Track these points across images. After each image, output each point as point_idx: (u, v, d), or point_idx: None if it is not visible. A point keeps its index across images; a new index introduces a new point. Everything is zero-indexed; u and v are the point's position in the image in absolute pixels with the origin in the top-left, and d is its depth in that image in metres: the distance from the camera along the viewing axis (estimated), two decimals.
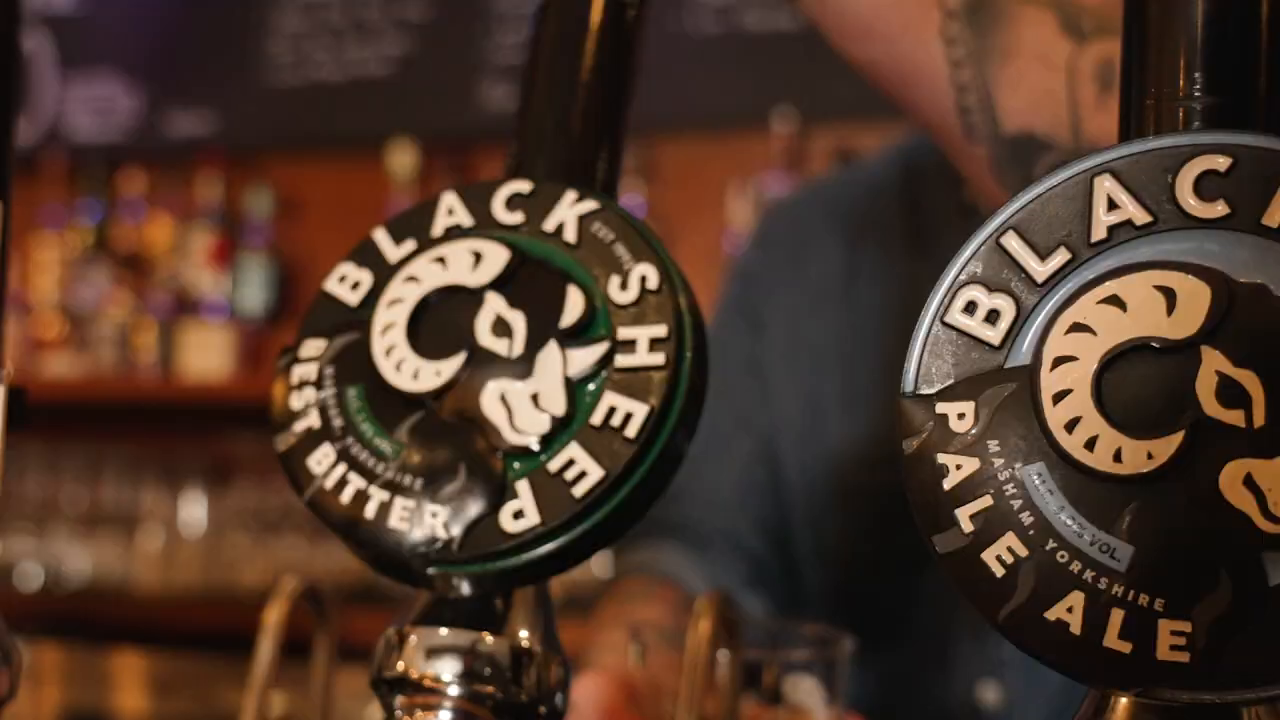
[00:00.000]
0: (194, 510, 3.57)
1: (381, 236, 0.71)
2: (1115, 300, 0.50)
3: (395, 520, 0.65)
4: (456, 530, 0.64)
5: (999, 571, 0.51)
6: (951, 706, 1.28)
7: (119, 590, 3.54)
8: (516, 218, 0.69)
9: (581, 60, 0.75)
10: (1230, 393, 0.48)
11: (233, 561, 3.35)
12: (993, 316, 0.52)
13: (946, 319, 0.53)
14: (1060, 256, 0.51)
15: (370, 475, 0.66)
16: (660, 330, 0.65)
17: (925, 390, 0.52)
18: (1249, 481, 0.48)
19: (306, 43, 3.73)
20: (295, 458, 0.67)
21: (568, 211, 0.68)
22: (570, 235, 0.68)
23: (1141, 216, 0.50)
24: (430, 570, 0.65)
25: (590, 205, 0.68)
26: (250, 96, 3.78)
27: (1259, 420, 0.48)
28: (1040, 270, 0.52)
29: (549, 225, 0.68)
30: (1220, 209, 0.49)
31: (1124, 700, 0.51)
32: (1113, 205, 0.51)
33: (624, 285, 0.66)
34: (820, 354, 1.38)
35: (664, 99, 3.27)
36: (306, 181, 3.75)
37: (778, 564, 1.38)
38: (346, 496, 0.66)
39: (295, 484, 0.67)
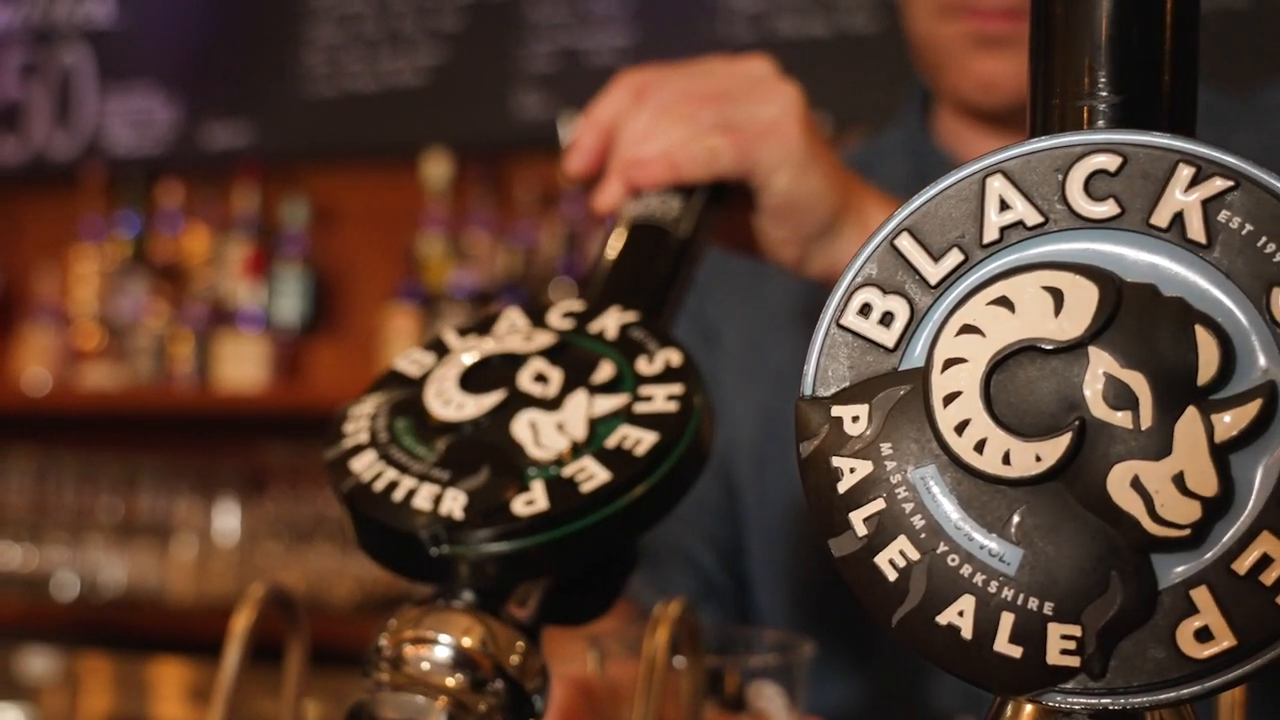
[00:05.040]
0: (228, 520, 3.58)
1: (449, 334, 0.81)
2: (1004, 301, 0.49)
3: (420, 501, 0.71)
4: (472, 512, 0.70)
5: (892, 575, 0.50)
6: None
7: (154, 599, 3.56)
8: (568, 324, 0.81)
9: (647, 272, 0.91)
10: (1118, 394, 0.47)
11: (266, 570, 3.36)
12: (887, 319, 0.52)
13: (842, 321, 0.52)
14: (953, 258, 0.51)
15: (404, 469, 0.72)
16: (677, 389, 0.74)
17: (822, 393, 0.52)
18: (1136, 483, 0.47)
19: (341, 54, 3.75)
20: (341, 462, 0.74)
21: (610, 320, 0.80)
22: (610, 336, 0.79)
23: (1033, 217, 0.50)
24: (439, 549, 0.70)
25: (631, 317, 0.80)
26: (286, 108, 3.80)
27: (1146, 422, 0.47)
28: (933, 272, 0.51)
29: (593, 329, 0.80)
30: (1110, 208, 0.49)
31: (1029, 706, 0.51)
32: (1004, 206, 0.50)
33: (650, 362, 0.76)
34: (779, 375, 1.37)
35: None
36: (342, 192, 3.76)
37: (728, 581, 1.37)
38: (380, 485, 0.72)
39: (335, 483, 0.74)
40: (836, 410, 0.52)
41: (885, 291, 0.52)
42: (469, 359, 0.78)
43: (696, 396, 0.74)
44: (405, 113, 3.67)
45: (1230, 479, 0.47)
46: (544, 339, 0.78)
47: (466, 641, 0.70)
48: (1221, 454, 0.47)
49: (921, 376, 0.50)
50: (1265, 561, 0.46)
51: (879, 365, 0.52)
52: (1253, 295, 0.47)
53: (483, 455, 0.72)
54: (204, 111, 3.89)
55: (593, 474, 0.70)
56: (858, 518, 0.51)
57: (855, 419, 0.51)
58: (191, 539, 3.58)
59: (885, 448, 0.51)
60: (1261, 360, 0.47)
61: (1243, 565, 0.46)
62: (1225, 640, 0.46)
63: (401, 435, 0.74)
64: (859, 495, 0.51)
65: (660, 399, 0.74)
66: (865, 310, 0.52)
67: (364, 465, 0.73)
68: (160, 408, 3.72)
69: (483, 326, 0.82)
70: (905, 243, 0.52)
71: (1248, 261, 0.47)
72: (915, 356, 0.51)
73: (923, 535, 0.50)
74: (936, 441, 0.50)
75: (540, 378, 0.75)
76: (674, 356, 0.77)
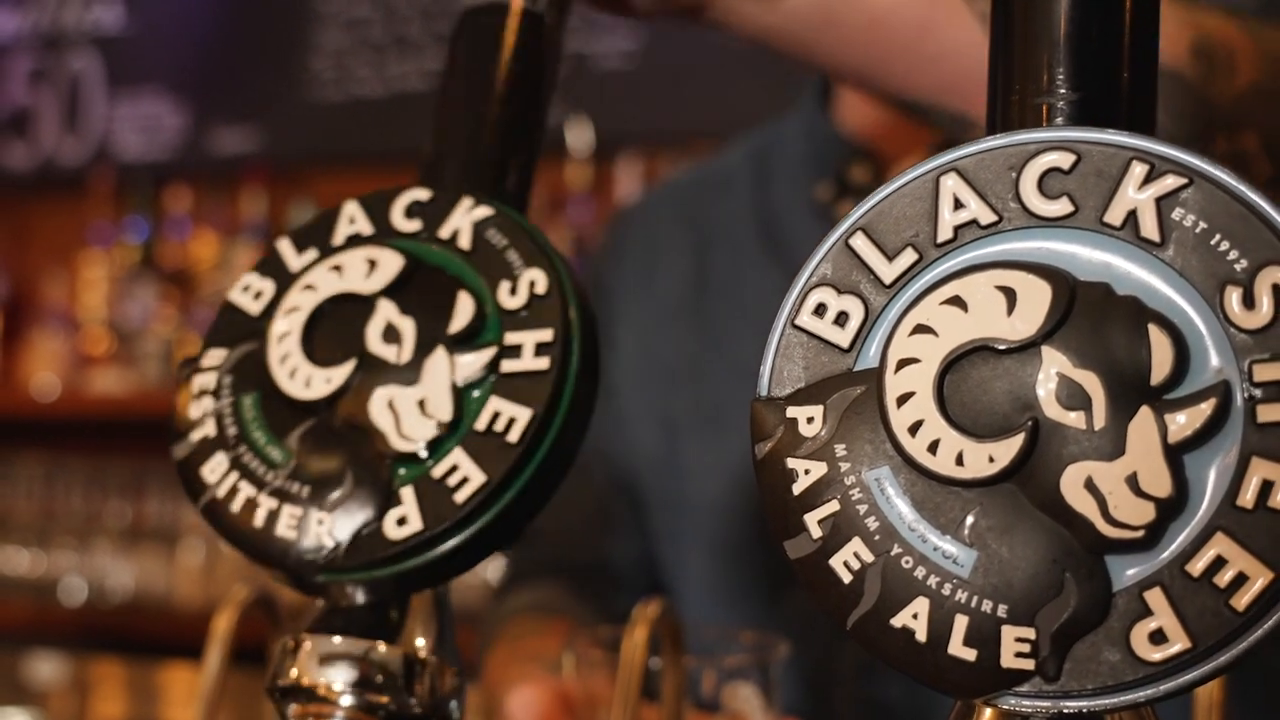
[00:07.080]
0: None
1: (285, 246, 0.71)
2: (957, 301, 0.49)
3: (283, 528, 0.64)
4: (342, 537, 0.64)
5: (846, 577, 0.50)
6: None
7: (161, 604, 3.56)
8: (414, 225, 0.69)
9: (495, 70, 0.75)
10: (1071, 394, 0.47)
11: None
12: (842, 319, 0.51)
13: (798, 322, 0.52)
14: (908, 257, 0.51)
15: (260, 483, 0.66)
16: (546, 335, 0.65)
17: (777, 393, 0.52)
18: (1090, 485, 0.47)
19: (348, 59, 3.75)
20: (190, 467, 0.67)
21: (463, 219, 0.68)
22: (464, 242, 0.68)
23: (986, 216, 0.49)
24: (320, 578, 0.64)
25: (485, 212, 0.69)
26: (293, 112, 3.80)
27: (1099, 422, 0.47)
28: (888, 271, 0.51)
29: (444, 232, 0.68)
30: (1063, 206, 0.48)
31: (988, 710, 0.50)
32: (959, 205, 0.50)
33: (514, 291, 0.66)
34: (671, 372, 1.35)
35: (699, 108, 3.27)
36: (349, 196, 3.74)
37: (648, 587, 1.37)
38: (237, 505, 0.65)
39: (190, 492, 0.67)
40: (792, 411, 0.51)
41: (840, 291, 0.51)
42: (309, 304, 0.68)
43: (573, 339, 0.65)
44: (412, 117, 3.67)
45: (1184, 480, 0.46)
46: (389, 266, 0.68)
47: (362, 666, 0.65)
48: (1175, 454, 0.46)
49: (876, 377, 0.50)
50: (1219, 563, 0.46)
51: (834, 366, 0.51)
52: (1206, 294, 0.46)
53: (342, 456, 0.65)
54: (212, 117, 3.90)
55: (466, 475, 0.63)
56: (812, 519, 0.50)
57: (810, 420, 0.51)
58: (199, 543, 3.58)
59: (840, 449, 0.50)
60: (1215, 360, 0.46)
61: (1196, 567, 0.46)
62: (1179, 643, 0.46)
63: (250, 426, 0.67)
64: (813, 497, 0.50)
65: (529, 351, 0.65)
66: (820, 310, 0.52)
67: (216, 475, 0.67)
68: (168, 412, 3.71)
69: (320, 234, 0.71)
70: (860, 242, 0.51)
71: (1201, 260, 0.47)
72: (870, 357, 0.51)
73: (877, 537, 0.49)
74: (890, 442, 0.49)
75: (390, 332, 0.67)
76: (539, 279, 0.66)
